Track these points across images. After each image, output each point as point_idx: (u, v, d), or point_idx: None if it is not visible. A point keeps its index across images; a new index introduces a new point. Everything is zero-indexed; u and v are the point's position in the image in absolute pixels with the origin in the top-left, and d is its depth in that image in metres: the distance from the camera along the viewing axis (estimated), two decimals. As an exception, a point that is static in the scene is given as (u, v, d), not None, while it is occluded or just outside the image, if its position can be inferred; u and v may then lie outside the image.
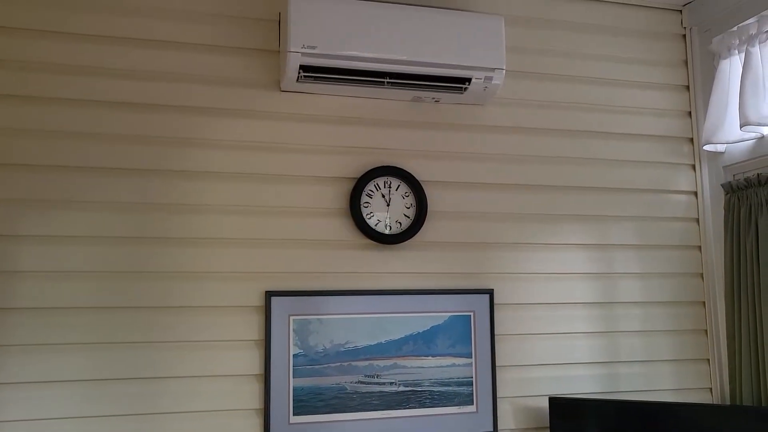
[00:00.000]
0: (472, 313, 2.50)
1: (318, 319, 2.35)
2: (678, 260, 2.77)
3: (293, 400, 2.29)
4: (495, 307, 2.54)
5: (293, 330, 2.33)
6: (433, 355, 2.45)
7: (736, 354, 2.54)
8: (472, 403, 2.46)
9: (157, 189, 2.27)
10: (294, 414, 2.29)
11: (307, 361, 2.33)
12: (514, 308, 2.57)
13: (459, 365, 2.46)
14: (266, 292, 2.31)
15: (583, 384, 2.60)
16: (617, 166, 2.75)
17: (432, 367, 2.44)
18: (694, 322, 2.75)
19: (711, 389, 2.72)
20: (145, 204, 2.26)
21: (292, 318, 2.33)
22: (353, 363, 2.37)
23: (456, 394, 2.45)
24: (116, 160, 2.24)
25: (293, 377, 2.30)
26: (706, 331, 2.76)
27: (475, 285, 2.54)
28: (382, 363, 2.40)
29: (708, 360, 2.74)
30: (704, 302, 2.77)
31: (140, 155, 2.27)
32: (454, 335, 2.47)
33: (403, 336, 2.43)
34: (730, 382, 2.56)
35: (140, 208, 2.25)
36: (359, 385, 2.37)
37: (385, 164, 2.48)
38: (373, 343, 2.39)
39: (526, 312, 2.58)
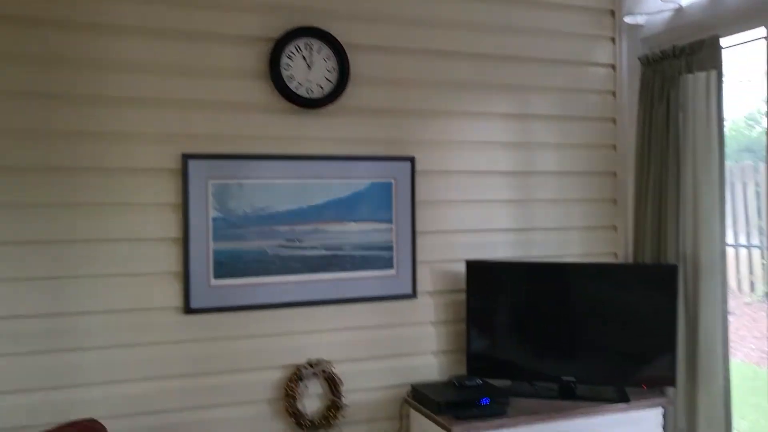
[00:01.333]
0: (393, 180, 2.51)
1: (238, 183, 2.31)
2: (593, 131, 2.84)
3: (213, 263, 2.28)
4: (416, 174, 2.55)
5: (212, 194, 2.28)
6: (355, 221, 2.46)
7: (641, 220, 2.68)
8: (392, 267, 2.52)
9: (65, 42, 2.11)
10: (215, 277, 2.28)
11: (227, 225, 2.30)
12: (434, 175, 2.59)
13: (380, 230, 2.50)
14: (183, 155, 2.24)
15: (500, 249, 2.70)
16: (538, 36, 2.74)
17: (353, 232, 2.46)
18: (605, 191, 2.87)
19: (616, 254, 2.88)
20: (51, 57, 2.10)
21: (210, 182, 2.28)
22: (274, 228, 2.36)
23: (377, 258, 2.50)
24: (20, 7, 2.06)
25: (213, 241, 2.28)
26: (616, 200, 2.88)
27: (397, 152, 2.53)
28: (303, 228, 2.40)
29: (615, 227, 2.88)
30: (615, 173, 2.88)
31: (46, 3, 2.08)
32: (376, 201, 2.49)
33: (324, 201, 2.42)
34: (635, 247, 2.71)
35: (46, 62, 2.09)
36: (280, 249, 2.37)
37: (306, 25, 2.38)
38: (294, 208, 2.38)
39: (446, 179, 2.61)
